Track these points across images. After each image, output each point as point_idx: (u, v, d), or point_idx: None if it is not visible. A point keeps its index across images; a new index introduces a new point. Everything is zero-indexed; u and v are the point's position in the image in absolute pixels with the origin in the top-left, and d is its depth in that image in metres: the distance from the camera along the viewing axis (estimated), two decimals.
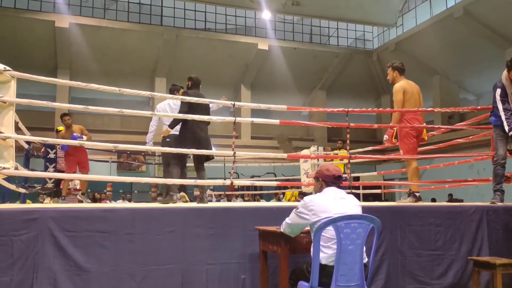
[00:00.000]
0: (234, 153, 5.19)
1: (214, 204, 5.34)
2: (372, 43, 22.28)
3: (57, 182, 7.66)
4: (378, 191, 10.54)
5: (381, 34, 21.79)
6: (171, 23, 18.98)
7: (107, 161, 12.23)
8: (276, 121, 5.54)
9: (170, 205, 4.88)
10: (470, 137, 6.97)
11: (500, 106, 4.69)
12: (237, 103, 5.54)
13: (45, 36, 16.70)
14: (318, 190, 3.06)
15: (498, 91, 4.73)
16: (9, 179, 5.08)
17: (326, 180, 3.02)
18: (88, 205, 6.00)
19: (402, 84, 5.02)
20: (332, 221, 2.72)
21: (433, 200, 12.97)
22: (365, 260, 2.89)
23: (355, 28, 22.13)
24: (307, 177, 8.65)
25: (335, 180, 3.02)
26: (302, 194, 9.73)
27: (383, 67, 21.25)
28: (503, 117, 4.65)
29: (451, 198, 12.92)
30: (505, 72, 4.73)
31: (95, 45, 17.23)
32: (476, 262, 4.03)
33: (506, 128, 4.63)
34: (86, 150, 7.12)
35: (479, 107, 6.83)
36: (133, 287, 3.33)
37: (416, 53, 19.10)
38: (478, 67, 17.54)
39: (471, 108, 7.31)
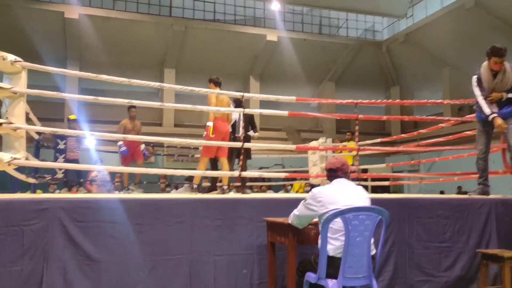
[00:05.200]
0: (243, 144, 5.21)
1: (222, 195, 5.36)
2: (382, 34, 22.04)
3: (67, 172, 7.75)
4: (387, 183, 10.51)
5: (391, 25, 21.54)
6: (180, 14, 18.92)
7: (116, 152, 12.25)
8: (285, 113, 5.54)
9: (178, 196, 4.92)
10: None
11: (477, 92, 4.72)
12: (246, 95, 5.55)
13: (55, 27, 16.73)
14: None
15: (474, 78, 4.79)
16: (20, 169, 5.13)
17: (326, 174, 3.07)
18: (97, 195, 6.06)
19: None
20: (340, 213, 2.73)
21: (442, 192, 12.90)
22: (373, 252, 2.90)
23: (364, 19, 21.88)
24: (321, 167, 8.68)
25: (330, 173, 3.04)
26: (310, 186, 9.73)
27: (393, 59, 21.07)
28: (480, 102, 4.66)
29: (460, 191, 12.83)
30: (485, 62, 4.74)
31: (105, 36, 17.23)
32: (484, 255, 4.02)
33: (487, 110, 4.58)
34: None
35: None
36: (142, 277, 3.36)
37: (426, 44, 18.87)
38: None
39: None
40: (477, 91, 4.72)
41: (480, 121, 4.89)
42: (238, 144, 5.38)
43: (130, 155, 7.48)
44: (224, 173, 5.73)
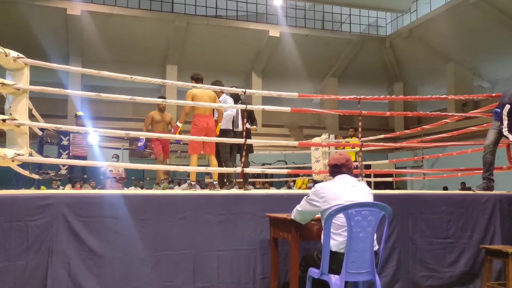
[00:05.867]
0: (245, 140, 5.21)
1: (225, 191, 5.37)
2: (385, 30, 21.95)
3: (71, 168, 7.77)
4: (390, 179, 10.51)
5: (395, 20, 21.45)
6: (182, 10, 18.89)
7: (119, 148, 12.31)
8: (287, 109, 5.53)
9: (181, 192, 4.92)
10: (484, 125, 6.87)
11: (505, 122, 4.78)
12: (248, 91, 5.54)
13: (57, 23, 16.74)
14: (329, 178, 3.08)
15: (507, 107, 4.78)
16: (24, 165, 5.15)
17: (330, 170, 3.06)
18: (100, 191, 6.06)
19: (192, 91, 5.57)
20: (343, 209, 2.73)
21: (445, 188, 12.87)
22: (376, 247, 2.90)
23: (368, 14, 21.80)
24: (324, 163, 8.67)
25: (334, 169, 3.03)
26: (313, 182, 9.73)
27: (396, 54, 21.00)
28: (506, 133, 4.78)
29: (464, 187, 12.81)
30: None
31: (107, 33, 17.24)
32: (488, 251, 4.02)
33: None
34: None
35: (493, 95, 6.72)
36: (145, 272, 3.38)
37: (430, 39, 18.79)
38: (493, 54, 17.21)
39: (485, 96, 7.20)
40: (505, 121, 4.82)
41: (497, 120, 4.95)
42: (241, 141, 5.37)
43: (161, 146, 7.04)
44: (226, 169, 5.74)
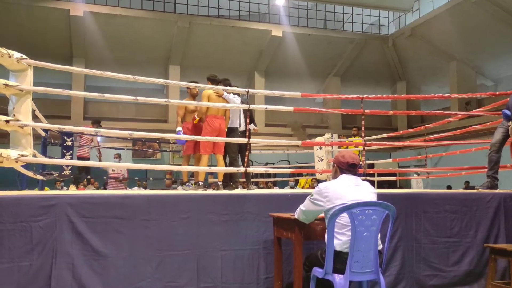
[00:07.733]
0: (248, 140, 5.21)
1: (228, 191, 5.37)
2: (388, 29, 21.91)
3: (74, 169, 7.79)
4: (393, 178, 10.49)
5: (397, 19, 21.40)
6: (185, 11, 18.91)
7: (123, 149, 12.36)
8: (290, 108, 5.53)
9: (185, 192, 4.93)
10: (488, 123, 6.86)
11: None
12: (251, 90, 5.54)
13: (60, 24, 16.79)
14: (334, 176, 3.06)
15: None
16: (27, 166, 5.16)
17: (340, 166, 3.01)
18: (104, 191, 6.08)
19: (207, 91, 5.65)
20: (347, 208, 2.72)
21: (449, 187, 12.83)
22: (380, 246, 2.89)
23: (370, 13, 21.77)
24: (327, 162, 8.66)
25: (349, 168, 2.99)
26: (317, 182, 9.71)
27: (398, 53, 20.95)
28: None
29: (467, 186, 12.77)
30: None
31: (110, 33, 17.28)
32: (492, 249, 4.00)
33: None
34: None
35: (497, 93, 6.70)
36: (149, 272, 3.38)
37: (432, 38, 18.74)
38: (496, 52, 17.16)
39: (488, 94, 7.18)
40: None
41: (506, 119, 4.90)
42: (244, 140, 5.37)
43: (193, 143, 6.16)
44: (230, 169, 5.74)
